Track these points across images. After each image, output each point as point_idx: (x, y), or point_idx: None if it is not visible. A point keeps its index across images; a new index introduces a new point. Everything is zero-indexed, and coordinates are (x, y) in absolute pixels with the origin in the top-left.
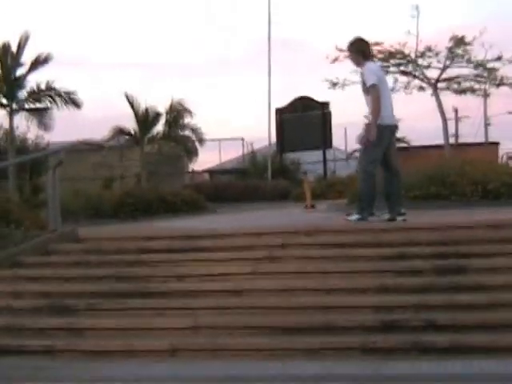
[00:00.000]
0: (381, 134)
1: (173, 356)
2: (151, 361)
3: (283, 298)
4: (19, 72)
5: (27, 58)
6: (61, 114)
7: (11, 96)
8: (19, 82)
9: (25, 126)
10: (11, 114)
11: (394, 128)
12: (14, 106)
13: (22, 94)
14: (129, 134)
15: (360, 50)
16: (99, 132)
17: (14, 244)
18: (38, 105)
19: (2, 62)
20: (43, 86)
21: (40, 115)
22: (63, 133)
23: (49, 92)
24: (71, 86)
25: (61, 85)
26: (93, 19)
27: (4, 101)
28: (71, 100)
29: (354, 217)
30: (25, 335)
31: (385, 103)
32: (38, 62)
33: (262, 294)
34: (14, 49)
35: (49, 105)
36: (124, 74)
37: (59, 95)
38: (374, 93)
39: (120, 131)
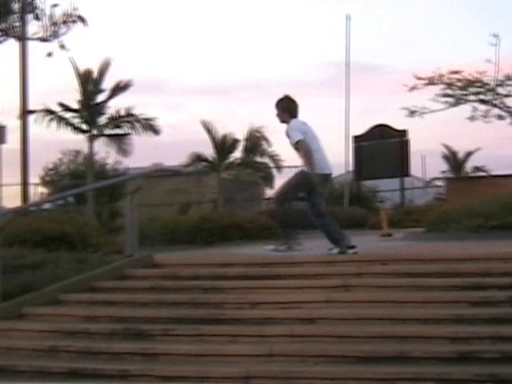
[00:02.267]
0: (308, 180)
1: (247, 383)
2: None
3: (357, 327)
4: (100, 98)
5: (108, 84)
6: (139, 140)
7: (92, 122)
8: (99, 108)
9: (104, 152)
10: (91, 139)
11: (325, 176)
12: (94, 131)
13: (102, 119)
14: (206, 160)
15: (286, 109)
16: (176, 157)
17: (92, 268)
18: (117, 131)
19: (84, 89)
20: (123, 112)
21: (119, 141)
22: (141, 158)
23: (128, 118)
24: (150, 112)
25: (140, 110)
26: (170, 45)
27: (84, 126)
28: (150, 126)
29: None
30: (100, 359)
31: (315, 155)
32: (118, 89)
33: (335, 323)
34: (95, 75)
35: (128, 131)
36: (201, 99)
37: (138, 121)
38: (303, 148)
39: (197, 157)
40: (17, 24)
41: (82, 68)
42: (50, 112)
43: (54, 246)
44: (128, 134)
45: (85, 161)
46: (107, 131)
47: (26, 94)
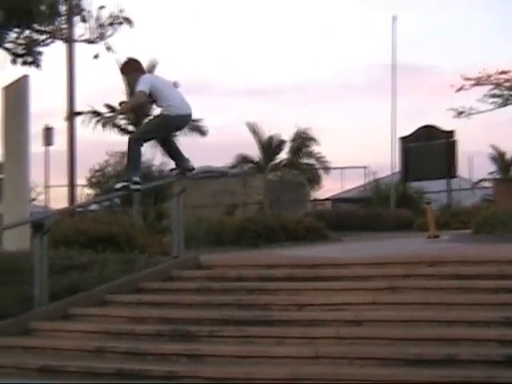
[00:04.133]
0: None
1: None
2: None
3: (404, 329)
4: None
5: None
6: (185, 141)
7: (138, 123)
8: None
9: (150, 153)
10: None
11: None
12: None
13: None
14: (252, 161)
15: (133, 69)
16: (222, 159)
17: (138, 269)
18: None
19: (130, 90)
20: None
21: None
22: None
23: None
24: (196, 113)
25: None
26: (217, 47)
27: (131, 127)
28: (196, 127)
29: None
30: (147, 360)
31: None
32: None
33: (382, 325)
34: None
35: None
36: (248, 100)
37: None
38: (136, 96)
39: (243, 159)
40: (64, 26)
41: None
42: (96, 113)
43: (100, 247)
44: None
45: None
46: None
47: (73, 96)
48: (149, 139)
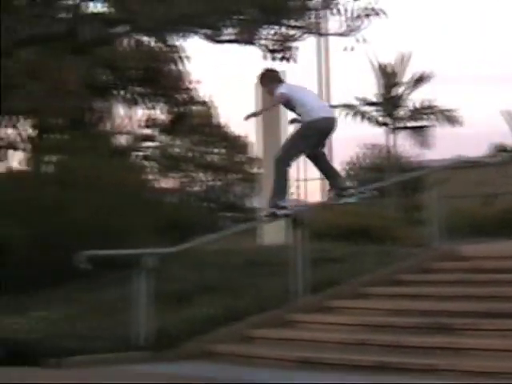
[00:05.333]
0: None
1: None
2: None
3: None
4: (399, 91)
5: (406, 76)
6: (440, 131)
7: (391, 115)
8: (399, 101)
9: (404, 145)
10: (391, 132)
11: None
12: (394, 124)
13: (402, 112)
14: (507, 150)
15: (270, 80)
16: (478, 148)
17: (395, 261)
18: (417, 123)
19: (383, 82)
20: (423, 104)
21: (420, 133)
22: (442, 150)
23: (428, 110)
24: (450, 103)
25: (440, 102)
26: (465, 34)
27: (384, 120)
28: (450, 118)
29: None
30: (406, 353)
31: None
32: (418, 81)
33: None
34: (393, 68)
35: (428, 123)
36: (501, 88)
37: (439, 113)
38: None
39: (501, 148)
40: (316, 20)
41: (380, 61)
42: (349, 106)
43: (355, 239)
44: (428, 126)
45: (385, 154)
46: (407, 124)
47: (327, 90)
48: (296, 156)
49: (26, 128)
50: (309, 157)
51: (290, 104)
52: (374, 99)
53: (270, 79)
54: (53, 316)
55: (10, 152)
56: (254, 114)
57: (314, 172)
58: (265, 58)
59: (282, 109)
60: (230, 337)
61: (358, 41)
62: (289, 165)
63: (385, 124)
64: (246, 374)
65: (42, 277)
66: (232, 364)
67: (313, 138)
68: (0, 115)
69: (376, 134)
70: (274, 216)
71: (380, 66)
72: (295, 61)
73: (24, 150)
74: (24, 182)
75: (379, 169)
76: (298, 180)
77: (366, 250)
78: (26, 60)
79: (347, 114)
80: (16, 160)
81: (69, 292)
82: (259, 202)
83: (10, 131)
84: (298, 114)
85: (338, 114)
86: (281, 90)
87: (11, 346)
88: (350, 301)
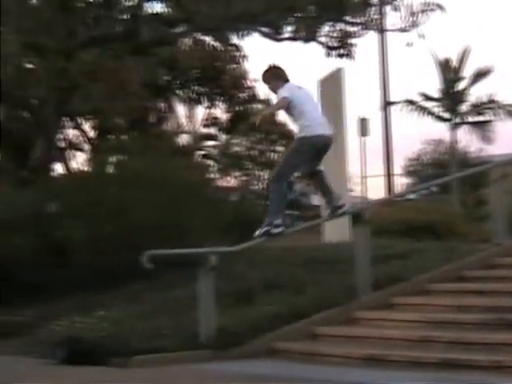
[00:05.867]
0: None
1: None
2: None
3: None
4: (460, 86)
5: (468, 71)
6: (502, 126)
7: (453, 110)
8: (460, 96)
9: (467, 140)
10: (453, 127)
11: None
12: (456, 119)
13: (463, 107)
14: None
15: (275, 76)
16: None
17: (459, 257)
18: (479, 118)
19: (446, 77)
20: (485, 99)
21: (482, 128)
22: (502, 145)
23: (490, 105)
24: (509, 98)
25: (502, 96)
26: None
27: (446, 115)
28: None
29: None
30: (472, 350)
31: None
32: (479, 75)
33: None
34: (454, 63)
35: (491, 117)
36: None
37: (501, 107)
38: (279, 102)
39: None
40: (376, 17)
41: (441, 56)
42: (410, 102)
43: (418, 235)
44: (491, 121)
45: (448, 149)
46: (469, 119)
47: (387, 86)
48: (292, 172)
49: (88, 129)
50: (305, 175)
51: (288, 110)
52: (435, 95)
53: (274, 76)
54: (116, 315)
55: (72, 153)
56: (261, 118)
57: (375, 169)
58: (328, 55)
59: (340, 107)
60: (294, 334)
61: (419, 36)
62: (283, 182)
63: (446, 119)
64: (312, 372)
65: (104, 277)
66: (296, 362)
67: (308, 153)
68: (63, 117)
69: (438, 130)
70: (267, 234)
71: (442, 60)
72: (353, 58)
73: (86, 151)
74: (86, 183)
75: (441, 164)
76: (362, 177)
77: (429, 246)
78: (86, 62)
79: (410, 110)
80: (78, 161)
81: (131, 292)
82: (319, 199)
83: (72, 132)
84: (294, 122)
85: (401, 111)
86: (284, 93)
87: (75, 345)
88: (415, 297)
